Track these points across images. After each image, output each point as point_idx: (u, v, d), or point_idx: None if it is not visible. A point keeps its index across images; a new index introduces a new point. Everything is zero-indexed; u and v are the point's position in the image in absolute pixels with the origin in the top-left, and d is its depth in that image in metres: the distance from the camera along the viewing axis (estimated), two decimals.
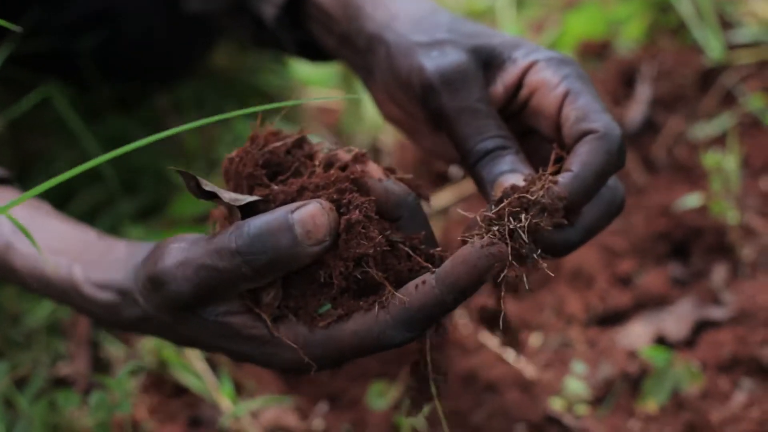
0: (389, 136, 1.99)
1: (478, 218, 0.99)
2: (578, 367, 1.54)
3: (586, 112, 1.06)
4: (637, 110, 1.91)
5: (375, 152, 1.96)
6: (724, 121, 1.86)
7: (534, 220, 0.98)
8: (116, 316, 1.14)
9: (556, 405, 1.50)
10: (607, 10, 2.13)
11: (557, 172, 1.04)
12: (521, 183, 1.01)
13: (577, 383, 1.52)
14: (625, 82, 1.98)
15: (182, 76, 1.99)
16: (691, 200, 1.72)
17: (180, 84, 2.01)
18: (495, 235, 0.97)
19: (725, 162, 1.71)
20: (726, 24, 2.00)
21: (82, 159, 1.76)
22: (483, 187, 1.07)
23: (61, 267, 1.16)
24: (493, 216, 0.98)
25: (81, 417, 1.41)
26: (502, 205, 0.98)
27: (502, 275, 0.96)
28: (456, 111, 1.10)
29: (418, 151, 1.93)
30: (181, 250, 1.01)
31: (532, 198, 0.98)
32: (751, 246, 1.70)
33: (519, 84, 1.13)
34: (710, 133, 1.86)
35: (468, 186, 1.87)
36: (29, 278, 1.19)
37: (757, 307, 1.60)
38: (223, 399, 1.49)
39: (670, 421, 1.47)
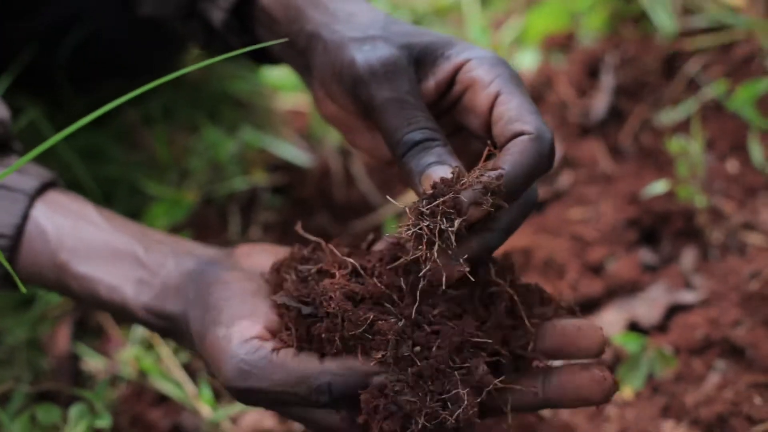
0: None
1: (408, 210, 1.01)
2: None
3: (519, 113, 1.07)
4: (602, 99, 1.93)
5: (344, 154, 1.98)
6: (689, 106, 1.87)
7: (463, 223, 0.99)
8: (170, 335, 1.23)
9: None
10: (570, 3, 2.14)
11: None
12: (449, 175, 1.02)
13: None
14: (589, 73, 1.99)
15: (153, 78, 1.99)
16: (659, 186, 1.73)
17: (150, 94, 2.01)
18: (423, 231, 0.99)
19: (690, 147, 1.73)
20: (687, 10, 2.02)
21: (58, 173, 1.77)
22: (411, 179, 1.08)
23: (114, 291, 1.21)
24: (426, 211, 0.99)
25: (64, 431, 1.41)
26: (436, 202, 0.99)
27: (422, 273, 0.99)
28: (384, 102, 1.11)
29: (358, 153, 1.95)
30: (246, 366, 1.09)
31: (464, 191, 1.00)
32: (719, 229, 1.71)
33: (451, 81, 1.14)
34: (675, 119, 1.87)
35: None
36: (85, 298, 1.25)
37: (728, 289, 1.61)
38: (203, 406, 1.50)
39: (646, 406, 1.49)
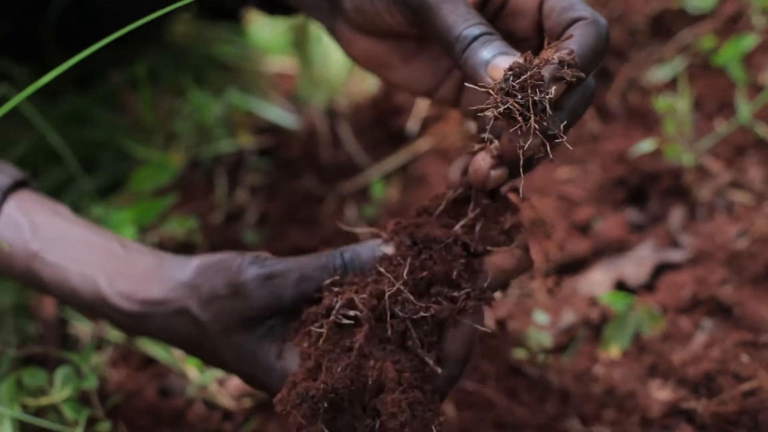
0: (345, 99, 2.00)
1: (492, 91, 1.00)
2: (540, 316, 1.55)
3: (571, 2, 1.07)
4: None
5: (330, 115, 1.97)
6: (676, 65, 1.86)
7: (551, 93, 0.98)
8: (142, 324, 1.20)
9: (519, 355, 1.52)
10: None
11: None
12: (521, 60, 1.01)
13: (539, 333, 1.53)
14: None
15: (140, 42, 1.98)
16: (646, 145, 1.73)
17: (135, 57, 2.00)
18: (515, 108, 0.98)
19: (677, 105, 1.72)
20: None
21: (40, 139, 1.76)
22: (477, 72, 1.06)
23: (87, 279, 1.20)
24: (515, 86, 0.98)
25: (50, 394, 1.41)
26: (524, 77, 0.98)
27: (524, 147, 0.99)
28: (438, 1, 1.09)
29: (374, 111, 1.94)
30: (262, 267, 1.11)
31: (543, 68, 0.99)
32: (706, 188, 1.71)
33: None
34: (662, 77, 1.87)
35: (425, 143, 1.88)
36: (56, 290, 1.23)
37: (715, 248, 1.61)
38: (190, 369, 1.50)
39: (633, 365, 1.49)
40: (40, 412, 1.39)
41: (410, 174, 1.83)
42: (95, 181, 1.83)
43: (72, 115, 1.91)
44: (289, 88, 2.08)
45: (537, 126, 0.98)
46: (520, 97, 0.98)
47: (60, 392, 1.36)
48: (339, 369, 1.03)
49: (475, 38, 1.07)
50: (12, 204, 1.25)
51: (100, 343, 1.56)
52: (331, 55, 2.07)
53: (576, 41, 1.04)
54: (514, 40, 1.14)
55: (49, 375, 1.40)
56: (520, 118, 0.98)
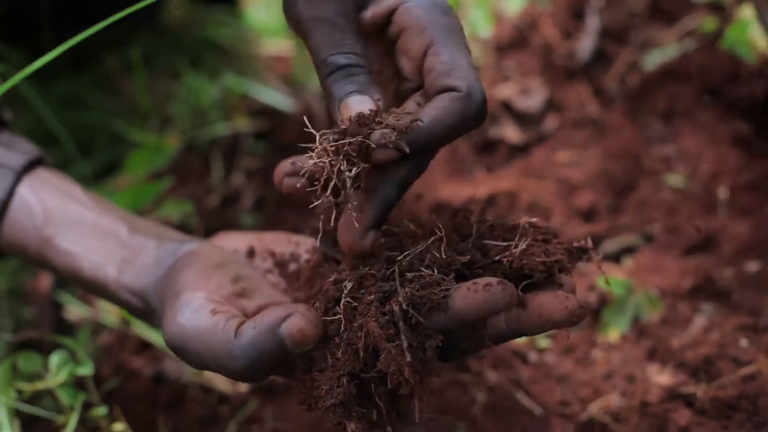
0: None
1: (317, 139, 0.99)
2: None
3: (451, 67, 1.03)
4: (587, 42, 1.91)
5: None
6: (675, 48, 1.85)
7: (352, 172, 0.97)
8: (147, 319, 1.21)
9: (518, 340, 1.51)
10: None
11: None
12: (369, 107, 1.00)
13: None
14: (575, 15, 1.97)
15: (133, 26, 1.98)
16: None
17: (130, 40, 1.99)
18: (325, 167, 0.97)
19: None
20: None
21: (36, 122, 1.75)
22: (331, 104, 1.04)
23: (98, 268, 1.21)
24: (330, 148, 0.98)
25: (45, 379, 1.40)
26: (343, 141, 0.98)
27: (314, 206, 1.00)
28: (313, 20, 1.06)
29: None
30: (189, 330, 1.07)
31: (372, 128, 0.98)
32: None
33: (388, 19, 1.09)
34: (661, 60, 1.86)
35: None
36: (67, 275, 1.24)
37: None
38: None
39: (632, 349, 1.48)
40: (35, 397, 1.39)
41: None
42: (90, 165, 1.82)
43: (67, 98, 1.90)
44: (284, 71, 2.07)
45: (334, 194, 0.98)
46: (331, 158, 0.97)
47: (55, 377, 1.36)
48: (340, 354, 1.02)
49: (339, 68, 1.04)
50: (26, 185, 1.26)
51: (95, 328, 1.55)
52: None
53: (432, 114, 1.01)
54: (401, 76, 1.12)
55: (44, 360, 1.39)
56: (323, 180, 0.98)
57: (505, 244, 1.05)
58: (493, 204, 1.68)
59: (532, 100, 1.87)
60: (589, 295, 1.54)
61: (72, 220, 1.24)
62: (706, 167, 1.72)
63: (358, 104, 1.01)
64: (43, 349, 1.49)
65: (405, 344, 0.98)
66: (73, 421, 1.34)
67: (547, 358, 1.49)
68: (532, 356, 1.49)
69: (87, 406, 1.38)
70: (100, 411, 1.37)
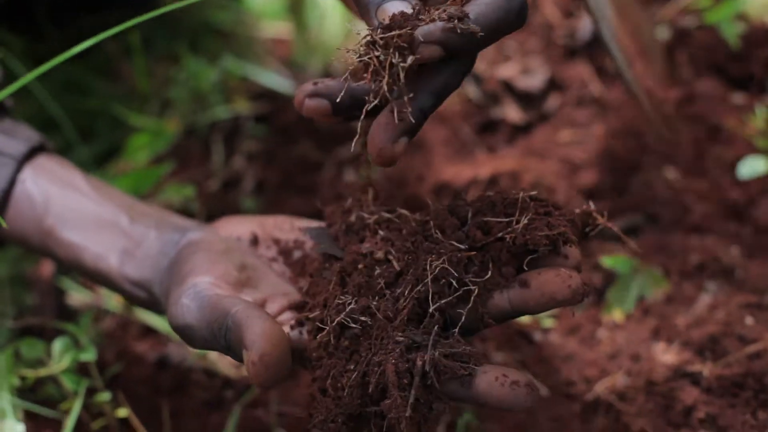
0: (341, 63, 1.98)
1: (360, 36, 0.96)
2: None
3: None
4: (588, 21, 1.90)
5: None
6: (672, 26, 1.85)
7: (416, 60, 0.94)
8: (152, 309, 1.21)
9: (524, 320, 1.51)
10: None
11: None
12: (408, 10, 0.97)
13: None
14: None
15: (132, 11, 1.96)
16: None
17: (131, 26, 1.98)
18: (372, 62, 0.94)
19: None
20: None
21: (37, 108, 1.75)
22: (367, 12, 0.99)
23: (100, 258, 1.21)
24: (379, 41, 0.94)
25: (48, 365, 1.40)
26: (391, 33, 0.94)
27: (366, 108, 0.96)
28: None
29: None
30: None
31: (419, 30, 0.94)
32: None
33: None
34: (662, 38, 1.85)
35: None
36: (70, 266, 1.24)
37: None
38: None
39: (637, 328, 1.48)
40: (38, 383, 1.39)
41: None
42: (91, 150, 1.82)
43: (67, 83, 1.90)
44: (284, 54, 2.07)
45: (387, 89, 0.94)
46: (380, 53, 0.94)
47: (58, 363, 1.35)
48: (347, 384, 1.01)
49: None
50: (27, 174, 1.25)
51: (98, 313, 1.55)
52: (326, 19, 2.06)
53: (477, 10, 0.96)
54: None
55: (47, 346, 1.39)
56: (372, 75, 0.95)
57: (507, 220, 1.04)
58: (496, 185, 1.67)
59: (534, 79, 1.86)
60: (593, 275, 1.54)
61: (73, 210, 1.23)
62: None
63: (398, 7, 0.97)
64: (46, 335, 1.49)
65: (412, 399, 0.97)
66: (76, 407, 1.34)
67: (552, 338, 1.49)
68: (537, 336, 1.49)
69: (90, 392, 1.38)
70: (104, 396, 1.36)
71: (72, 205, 1.24)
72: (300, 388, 1.44)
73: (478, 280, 1.02)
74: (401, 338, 0.99)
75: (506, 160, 1.72)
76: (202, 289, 1.06)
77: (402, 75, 0.94)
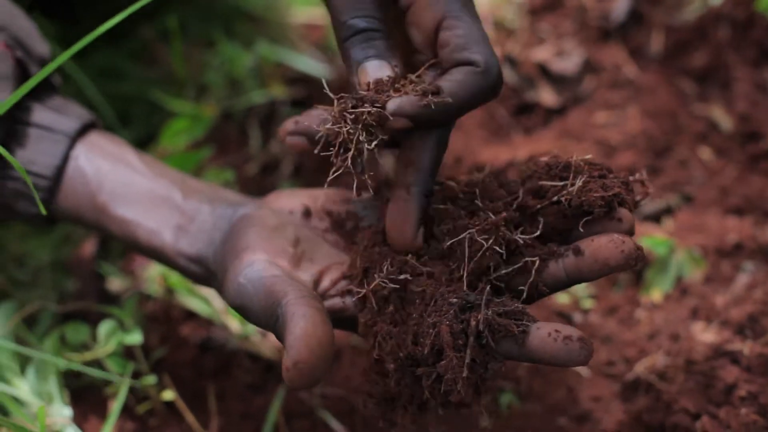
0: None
1: (335, 102, 0.99)
2: None
3: (467, 41, 1.03)
4: (622, 2, 1.90)
5: None
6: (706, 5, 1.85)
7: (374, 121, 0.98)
8: (206, 284, 1.22)
9: (563, 301, 1.51)
10: None
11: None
12: (387, 74, 1.01)
13: None
14: None
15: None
16: None
17: (163, 9, 1.99)
18: (342, 135, 0.98)
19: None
20: None
21: (76, 94, 1.75)
22: (349, 68, 1.05)
23: (154, 234, 1.22)
24: (349, 115, 0.98)
25: (93, 349, 1.41)
26: (362, 109, 0.97)
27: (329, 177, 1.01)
28: None
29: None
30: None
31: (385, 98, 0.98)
32: None
33: None
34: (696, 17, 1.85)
35: None
36: (125, 242, 1.25)
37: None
38: (232, 320, 1.50)
39: (675, 308, 1.48)
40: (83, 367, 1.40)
41: None
42: (128, 135, 1.82)
43: (104, 69, 1.90)
44: (318, 38, 2.07)
45: (351, 162, 0.98)
46: (350, 127, 0.97)
47: (104, 347, 1.37)
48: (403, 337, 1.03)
49: (358, 32, 1.04)
50: (80, 150, 1.26)
51: (140, 298, 1.56)
52: None
53: (450, 87, 1.01)
54: (411, 47, 1.12)
55: (91, 330, 1.40)
56: (340, 146, 0.99)
57: (562, 183, 1.05)
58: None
59: (569, 61, 1.87)
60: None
61: (125, 186, 1.24)
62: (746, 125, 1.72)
63: (376, 69, 1.02)
64: (89, 320, 1.50)
65: (468, 359, 0.98)
66: (123, 390, 1.35)
67: (592, 318, 1.50)
68: (577, 317, 1.50)
69: (136, 375, 1.39)
70: (150, 380, 1.38)
71: (125, 181, 1.24)
72: (343, 369, 1.45)
73: (536, 250, 1.04)
74: (455, 299, 1.00)
75: (543, 143, 1.73)
76: (258, 269, 1.07)
77: (365, 155, 0.97)
